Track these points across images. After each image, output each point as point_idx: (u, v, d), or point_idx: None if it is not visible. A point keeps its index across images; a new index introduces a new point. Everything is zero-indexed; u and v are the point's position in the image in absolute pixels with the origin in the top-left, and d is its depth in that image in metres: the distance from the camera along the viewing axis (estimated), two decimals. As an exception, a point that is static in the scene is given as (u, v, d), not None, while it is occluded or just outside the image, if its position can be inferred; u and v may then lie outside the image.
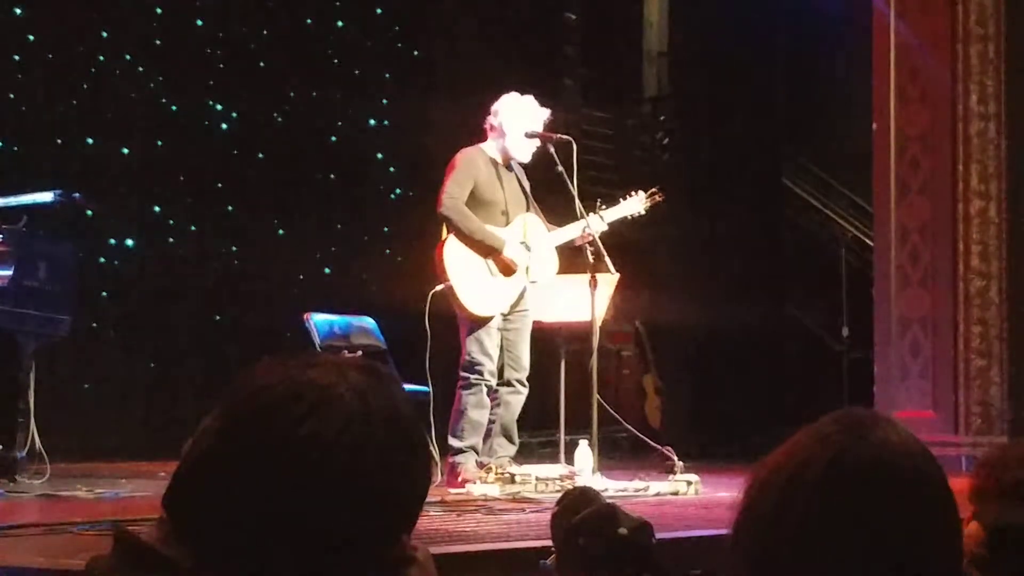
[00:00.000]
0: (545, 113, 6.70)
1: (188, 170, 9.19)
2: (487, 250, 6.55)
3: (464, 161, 6.61)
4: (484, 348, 6.54)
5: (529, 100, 6.70)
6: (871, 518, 1.32)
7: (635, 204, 6.90)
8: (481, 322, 6.55)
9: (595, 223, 6.60)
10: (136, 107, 8.92)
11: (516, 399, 6.67)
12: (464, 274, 6.51)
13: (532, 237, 6.68)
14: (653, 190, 6.98)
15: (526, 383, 6.70)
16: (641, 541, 2.26)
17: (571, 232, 6.69)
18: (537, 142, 6.66)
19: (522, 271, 6.62)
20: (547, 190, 7.07)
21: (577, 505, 2.32)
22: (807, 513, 1.32)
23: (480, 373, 6.54)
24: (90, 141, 8.68)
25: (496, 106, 6.69)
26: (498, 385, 6.63)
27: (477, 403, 6.57)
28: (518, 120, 6.63)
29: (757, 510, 1.36)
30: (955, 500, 1.39)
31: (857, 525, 1.32)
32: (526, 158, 6.70)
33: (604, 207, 6.77)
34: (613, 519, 2.26)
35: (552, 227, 6.76)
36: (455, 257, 6.53)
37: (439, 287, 6.50)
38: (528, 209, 6.76)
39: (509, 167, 6.73)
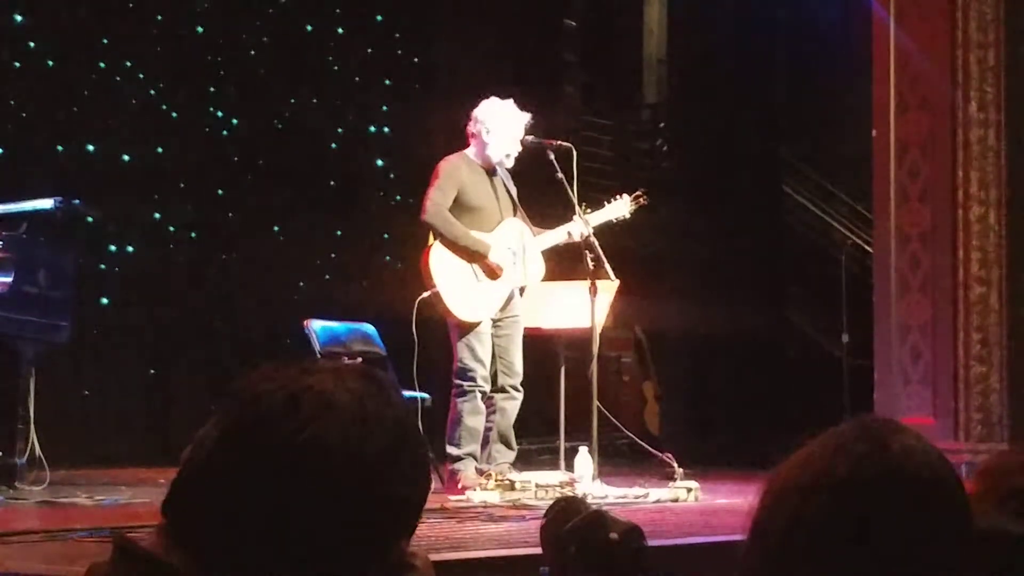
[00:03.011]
0: (526, 116, 6.70)
1: (188, 177, 9.19)
2: (472, 255, 6.56)
3: (447, 168, 6.63)
4: (476, 354, 6.55)
5: (509, 104, 6.70)
6: (891, 526, 1.31)
7: (620, 207, 6.90)
8: (470, 328, 6.55)
9: (580, 226, 6.60)
10: (136, 114, 8.93)
11: (511, 405, 6.67)
12: (450, 280, 6.52)
13: (518, 241, 6.68)
14: (638, 193, 6.98)
15: (520, 388, 6.69)
16: (632, 545, 2.27)
17: (556, 236, 6.70)
18: (518, 148, 6.67)
19: (508, 275, 6.62)
20: (542, 195, 7.08)
21: (566, 514, 2.32)
22: (826, 521, 1.32)
23: (473, 379, 6.54)
24: (90, 148, 8.69)
25: (476, 112, 6.70)
26: (492, 392, 6.63)
27: (472, 410, 6.57)
28: (499, 125, 6.64)
29: (774, 518, 1.36)
30: (970, 505, 1.39)
31: (879, 530, 1.31)
32: (508, 163, 6.71)
33: (589, 211, 6.77)
34: (603, 525, 2.27)
35: (538, 231, 6.77)
36: (441, 263, 6.53)
37: (425, 294, 6.51)
38: (515, 214, 6.77)
39: (495, 172, 6.74)
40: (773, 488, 1.37)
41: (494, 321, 6.65)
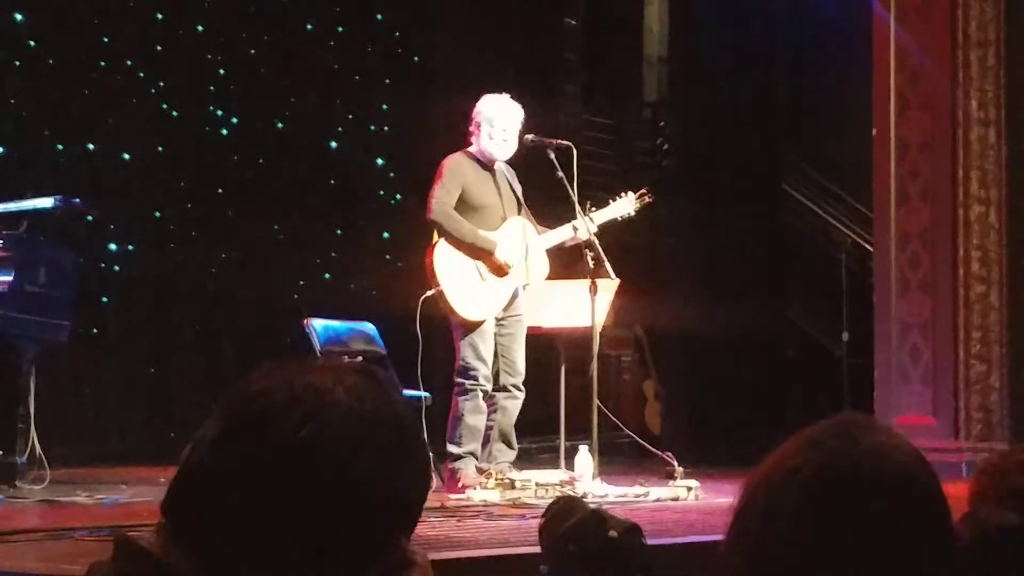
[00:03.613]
0: (520, 110, 6.70)
1: (189, 176, 9.19)
2: (479, 252, 6.56)
3: (451, 166, 6.64)
4: (478, 353, 6.55)
5: (504, 98, 6.71)
6: (862, 522, 1.32)
7: (625, 205, 6.91)
8: (473, 326, 6.55)
9: (585, 225, 6.60)
10: (137, 113, 8.92)
11: (513, 404, 6.67)
12: (454, 278, 6.52)
13: (522, 239, 6.69)
14: (643, 191, 6.98)
15: (522, 388, 6.70)
16: (632, 542, 2.27)
17: (561, 234, 6.70)
18: (514, 141, 6.67)
19: (514, 273, 6.63)
20: (544, 194, 7.08)
21: (565, 514, 2.33)
22: (798, 517, 1.32)
23: (475, 378, 6.54)
24: (91, 147, 8.68)
25: (475, 109, 6.72)
26: (494, 391, 6.63)
27: (474, 408, 6.57)
28: (492, 119, 6.65)
29: (750, 514, 1.37)
30: (948, 505, 1.39)
31: (848, 529, 1.32)
32: (503, 156, 6.71)
33: (594, 209, 6.77)
34: (602, 523, 2.27)
35: (543, 229, 6.77)
36: (445, 262, 6.54)
37: (429, 292, 6.51)
38: (520, 212, 6.77)
39: (497, 169, 6.74)
40: (749, 486, 1.38)
41: (498, 320, 6.65)
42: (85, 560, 1.38)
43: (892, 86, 8.60)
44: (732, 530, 1.38)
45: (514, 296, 6.68)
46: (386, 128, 10.28)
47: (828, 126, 11.93)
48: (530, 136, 6.72)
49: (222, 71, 9.39)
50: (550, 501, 2.49)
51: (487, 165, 6.71)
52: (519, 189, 6.82)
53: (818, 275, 11.84)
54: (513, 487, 6.17)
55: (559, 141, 6.75)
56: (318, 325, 7.33)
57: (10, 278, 6.20)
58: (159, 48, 9.03)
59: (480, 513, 5.51)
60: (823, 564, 1.31)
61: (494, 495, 6.09)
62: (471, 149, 6.74)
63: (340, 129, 10.05)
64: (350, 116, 10.10)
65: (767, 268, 12.22)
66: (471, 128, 6.72)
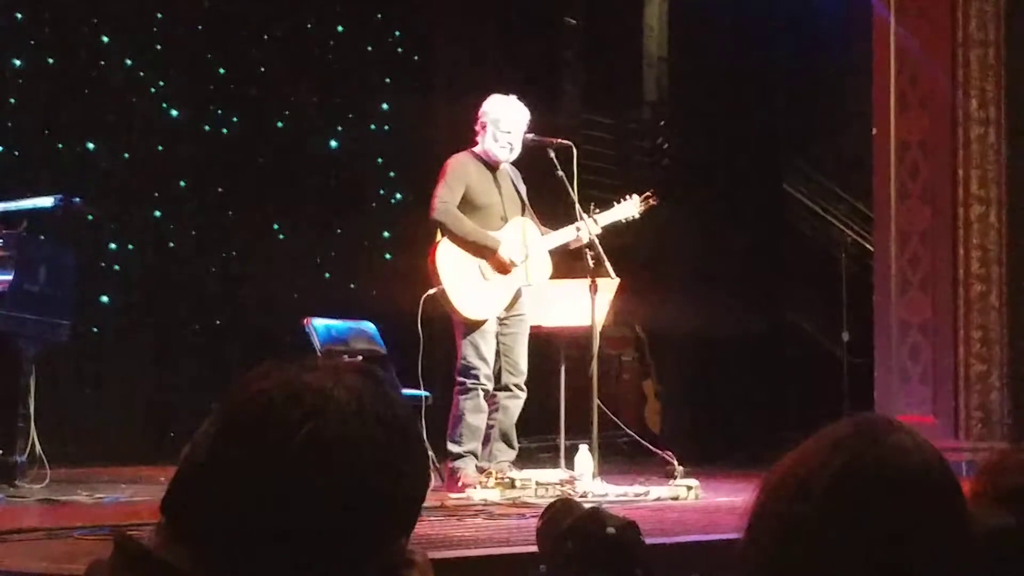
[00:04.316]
0: (527, 114, 6.71)
1: (189, 175, 9.20)
2: (482, 251, 6.56)
3: (454, 166, 6.64)
4: (480, 352, 6.55)
5: (512, 99, 6.71)
6: (883, 524, 1.31)
7: (630, 207, 6.91)
8: (475, 326, 6.56)
9: (588, 226, 6.61)
10: (137, 112, 8.93)
11: (515, 404, 6.67)
12: (457, 278, 6.53)
13: (526, 240, 6.69)
14: (647, 193, 6.98)
15: (524, 387, 6.70)
16: (630, 538, 2.28)
17: (564, 235, 6.71)
18: (518, 144, 6.68)
19: (516, 272, 6.63)
20: (546, 194, 7.08)
21: (562, 514, 2.34)
22: (819, 518, 1.32)
23: (476, 377, 6.54)
24: (91, 146, 8.69)
25: (482, 109, 6.72)
26: (496, 390, 6.63)
27: (474, 408, 6.57)
28: (498, 121, 6.65)
29: (769, 514, 1.36)
30: (966, 502, 1.39)
31: (869, 530, 1.31)
32: (507, 158, 6.71)
33: (598, 210, 6.77)
34: (600, 521, 2.28)
35: (546, 230, 6.77)
36: (447, 261, 6.54)
37: (431, 291, 6.52)
38: (523, 213, 6.77)
39: (502, 170, 6.75)
40: (768, 486, 1.37)
41: (500, 320, 6.65)
42: (85, 559, 1.38)
43: (892, 85, 8.60)
44: (750, 529, 1.37)
45: (516, 296, 6.69)
46: (386, 128, 10.29)
47: (828, 125, 11.93)
48: (530, 135, 6.73)
49: (222, 71, 9.40)
50: (551, 500, 2.50)
51: (491, 166, 6.72)
52: (523, 190, 6.82)
53: (818, 275, 11.83)
54: (513, 486, 6.18)
55: (559, 140, 6.76)
56: (318, 325, 7.33)
57: (10, 278, 6.20)
58: (159, 47, 9.03)
59: (480, 512, 5.51)
60: (845, 563, 1.31)
61: (494, 494, 6.09)
62: (476, 149, 6.75)
63: (340, 129, 10.05)
64: (350, 116, 10.10)
65: (767, 268, 12.22)
66: (476, 128, 6.72)
